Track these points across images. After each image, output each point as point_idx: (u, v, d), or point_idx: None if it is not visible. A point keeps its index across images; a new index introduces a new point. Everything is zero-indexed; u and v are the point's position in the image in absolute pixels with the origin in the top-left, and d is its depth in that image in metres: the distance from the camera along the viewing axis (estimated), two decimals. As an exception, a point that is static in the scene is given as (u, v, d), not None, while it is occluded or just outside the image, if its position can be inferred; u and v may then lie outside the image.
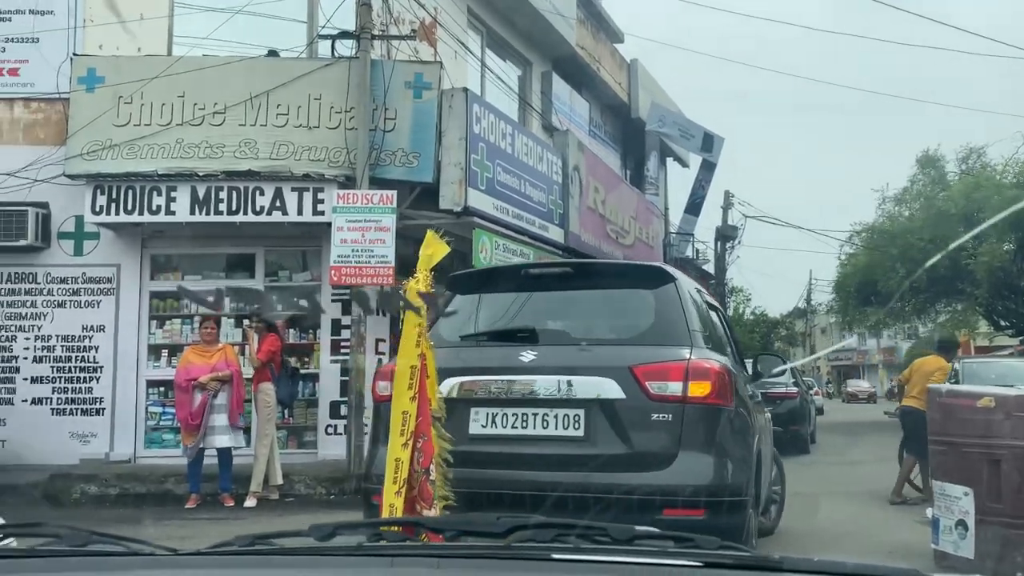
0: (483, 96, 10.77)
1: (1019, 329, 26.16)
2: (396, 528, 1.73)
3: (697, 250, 22.69)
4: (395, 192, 8.65)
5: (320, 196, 8.84)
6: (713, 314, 5.00)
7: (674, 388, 3.79)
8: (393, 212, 8.62)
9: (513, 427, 3.96)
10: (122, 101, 8.98)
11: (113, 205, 8.85)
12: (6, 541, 1.77)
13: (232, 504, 7.78)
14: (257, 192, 8.83)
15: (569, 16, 14.66)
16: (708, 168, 20.59)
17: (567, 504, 3.61)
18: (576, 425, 3.86)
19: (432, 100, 9.06)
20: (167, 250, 9.68)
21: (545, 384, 3.92)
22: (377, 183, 8.83)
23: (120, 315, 9.40)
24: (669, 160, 22.77)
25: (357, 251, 8.53)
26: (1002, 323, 27.61)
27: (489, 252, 9.48)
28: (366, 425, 9.15)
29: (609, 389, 3.82)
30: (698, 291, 4.80)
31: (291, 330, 9.48)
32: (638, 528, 1.42)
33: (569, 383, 3.88)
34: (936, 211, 23.07)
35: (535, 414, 3.94)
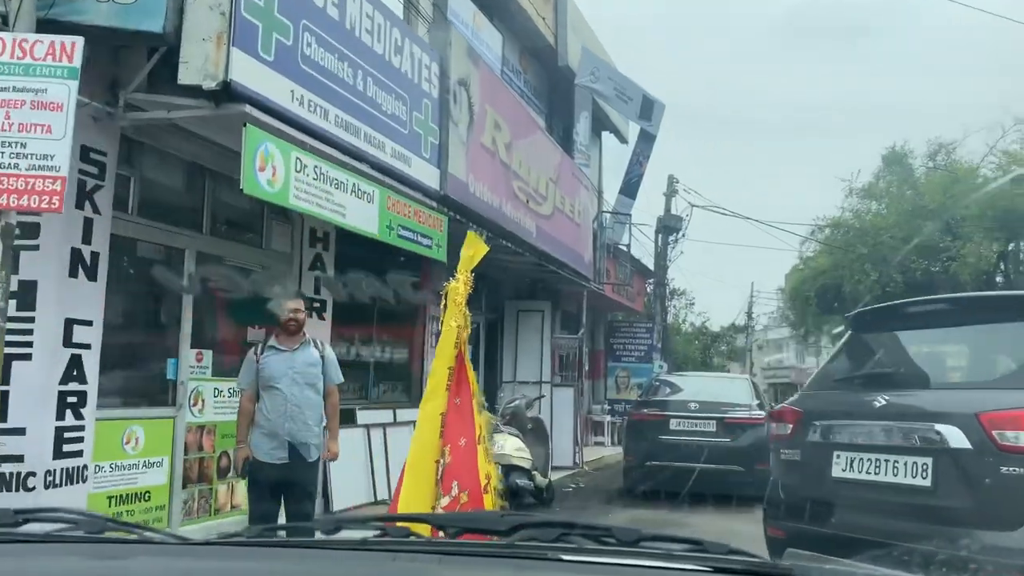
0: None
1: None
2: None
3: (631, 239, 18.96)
4: (80, 40, 4.57)
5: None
6: None
7: None
8: (73, 76, 4.52)
9: (867, 472, 4.09)
10: None
11: None
12: (24, 526, 1.59)
13: None
14: None
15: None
16: (647, 140, 16.93)
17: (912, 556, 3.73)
18: (924, 474, 3.89)
19: None
20: None
21: (892, 430, 4.04)
22: (55, 28, 4.75)
23: None
24: (604, 134, 19.13)
25: (-8, 143, 4.43)
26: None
27: (282, 173, 5.43)
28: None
29: (954, 437, 3.77)
30: None
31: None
32: (644, 531, 1.39)
33: (915, 430, 3.93)
34: (910, 207, 19.98)
35: (886, 460, 4.02)
